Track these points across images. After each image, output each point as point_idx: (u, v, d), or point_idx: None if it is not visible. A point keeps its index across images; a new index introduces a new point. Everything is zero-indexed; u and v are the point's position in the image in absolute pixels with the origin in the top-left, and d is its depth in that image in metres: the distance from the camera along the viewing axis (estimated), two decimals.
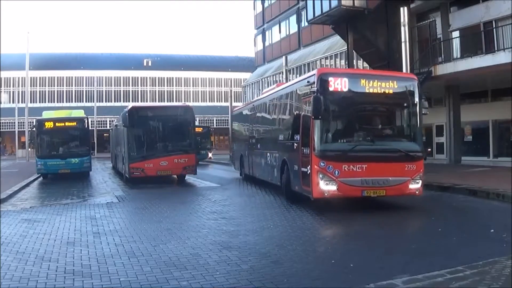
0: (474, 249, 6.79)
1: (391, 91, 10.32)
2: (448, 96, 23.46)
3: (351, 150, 9.97)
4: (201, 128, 35.19)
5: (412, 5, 21.94)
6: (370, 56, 22.81)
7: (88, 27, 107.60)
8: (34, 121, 22.13)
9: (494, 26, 19.81)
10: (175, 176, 18.69)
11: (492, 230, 7.92)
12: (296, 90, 11.94)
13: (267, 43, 41.98)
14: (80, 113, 22.94)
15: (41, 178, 21.11)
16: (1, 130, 49.81)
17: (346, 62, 23.37)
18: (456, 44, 22.30)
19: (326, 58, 31.78)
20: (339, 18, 20.91)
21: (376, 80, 10.22)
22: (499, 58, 17.52)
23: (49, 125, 20.79)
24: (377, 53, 21.88)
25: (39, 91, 55.13)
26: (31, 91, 49.12)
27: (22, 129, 42.86)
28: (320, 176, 9.73)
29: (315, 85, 9.94)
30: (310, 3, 21.84)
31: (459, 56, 21.19)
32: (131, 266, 6.25)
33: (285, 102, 13.04)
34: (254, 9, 44.72)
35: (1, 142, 46.35)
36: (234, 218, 9.95)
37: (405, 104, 10.60)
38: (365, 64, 25.99)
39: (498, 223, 8.48)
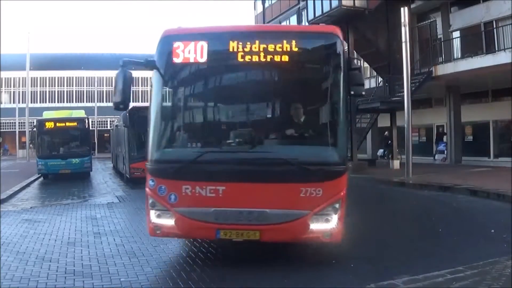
0: (474, 249, 6.79)
1: (286, 58, 5.85)
2: (448, 96, 23.46)
3: (196, 160, 5.86)
4: None
5: (412, 5, 21.97)
6: (371, 56, 22.85)
7: (88, 27, 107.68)
8: (35, 121, 22.16)
9: (494, 26, 19.82)
10: None
11: (492, 230, 7.92)
12: None
13: None
14: (81, 113, 22.95)
15: (41, 178, 21.11)
16: (2, 130, 49.83)
17: None
18: (456, 44, 22.31)
19: None
20: (340, 18, 20.86)
21: (258, 40, 5.90)
22: (499, 58, 17.52)
23: (49, 125, 20.80)
24: (377, 53, 21.91)
25: (40, 91, 55.09)
26: (31, 91, 49.12)
27: (23, 129, 42.84)
28: (150, 202, 6.06)
29: (155, 57, 6.20)
30: (310, 3, 21.84)
31: (459, 56, 21.20)
32: (132, 266, 6.27)
33: None
34: (254, 9, 44.69)
35: (1, 142, 46.32)
36: None
37: (313, 80, 6.29)
38: (366, 65, 26.05)
39: (498, 223, 8.48)
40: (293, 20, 36.49)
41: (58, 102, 54.20)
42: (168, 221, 5.93)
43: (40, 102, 52.93)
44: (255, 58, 5.88)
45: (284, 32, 6.28)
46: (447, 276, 5.15)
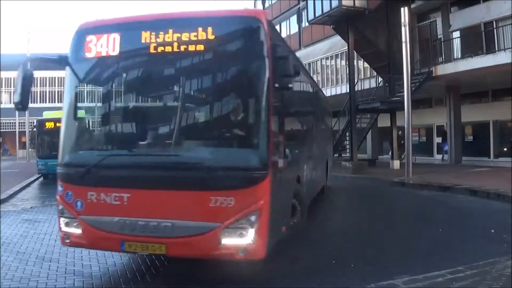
0: (474, 249, 6.79)
1: (201, 48, 5.16)
2: (448, 96, 23.48)
3: (99, 164, 5.34)
4: None
5: (412, 5, 21.98)
6: (371, 56, 22.86)
7: None
8: (35, 121, 22.13)
9: (494, 26, 19.82)
10: None
11: (492, 230, 7.92)
12: None
13: None
14: (81, 114, 22.87)
15: (41, 178, 21.09)
16: (2, 130, 49.84)
17: (347, 63, 23.37)
18: (456, 44, 22.31)
19: (327, 58, 31.80)
20: (340, 18, 20.90)
21: (171, 29, 5.25)
22: (499, 58, 17.52)
23: (49, 125, 20.77)
24: (377, 53, 21.92)
25: (40, 91, 55.07)
26: (31, 91, 49.13)
27: (23, 130, 42.85)
28: (60, 209, 5.60)
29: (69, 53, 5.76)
30: (310, 3, 21.85)
31: (459, 56, 21.19)
32: (133, 266, 6.26)
33: None
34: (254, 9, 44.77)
35: (1, 142, 46.31)
36: None
37: (231, 71, 5.47)
38: (366, 65, 26.06)
39: (498, 223, 8.48)
40: (293, 20, 36.50)
41: (58, 102, 54.19)
42: (76, 230, 5.44)
43: (40, 102, 52.89)
44: (168, 49, 5.23)
45: (200, 18, 5.35)
46: (447, 276, 5.15)
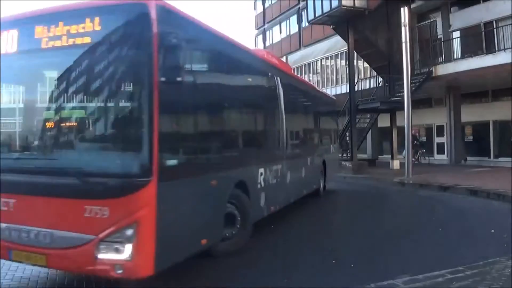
0: (474, 249, 6.78)
1: (88, 40, 4.74)
2: (448, 97, 23.50)
3: None
4: None
5: (412, 5, 21.98)
6: (371, 57, 22.87)
7: None
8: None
9: (494, 26, 19.82)
10: None
11: (492, 230, 7.92)
12: None
13: (267, 44, 41.94)
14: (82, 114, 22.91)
15: None
16: (1, 130, 49.87)
17: (347, 63, 23.38)
18: (456, 44, 22.31)
19: (327, 58, 31.81)
20: (340, 19, 20.90)
21: (62, 22, 4.86)
22: (499, 58, 17.52)
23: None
24: (377, 53, 21.92)
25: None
26: None
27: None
28: None
29: None
30: (310, 3, 21.85)
31: (459, 57, 21.19)
32: None
33: None
34: (254, 9, 44.70)
35: None
36: None
37: (114, 66, 4.78)
38: (366, 65, 26.07)
39: (498, 223, 8.48)
40: (293, 20, 36.51)
41: None
42: None
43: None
44: (56, 44, 4.83)
45: (88, 8, 4.87)
46: (447, 276, 5.15)
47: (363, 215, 10.09)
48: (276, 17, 39.43)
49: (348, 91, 22.42)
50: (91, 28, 4.70)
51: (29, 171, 4.86)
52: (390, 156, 22.97)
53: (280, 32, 39.18)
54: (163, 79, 4.63)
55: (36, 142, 5.29)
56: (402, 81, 17.72)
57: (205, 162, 5.77)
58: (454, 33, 22.22)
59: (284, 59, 30.45)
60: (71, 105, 5.19)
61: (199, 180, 5.49)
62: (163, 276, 4.87)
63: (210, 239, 5.79)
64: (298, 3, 34.60)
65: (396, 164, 21.64)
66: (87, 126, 5.12)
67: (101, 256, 4.45)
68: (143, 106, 4.50)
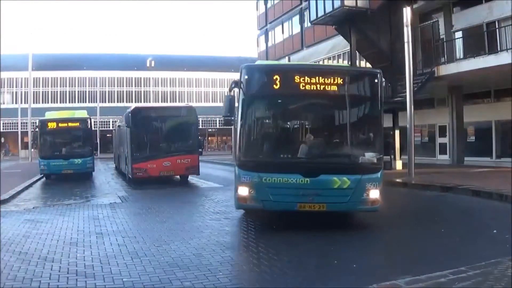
0: (477, 250, 6.78)
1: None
2: (451, 97, 23.46)
3: None
4: None
5: (415, 6, 21.93)
6: (373, 57, 22.82)
7: (90, 27, 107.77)
8: (37, 121, 22.16)
9: (497, 26, 19.77)
10: (178, 176, 18.73)
11: (495, 231, 7.91)
12: None
13: (270, 44, 41.94)
14: (83, 114, 22.98)
15: (44, 179, 21.14)
16: (4, 130, 49.95)
17: (349, 63, 23.35)
18: (459, 44, 22.27)
19: (329, 58, 31.78)
20: (342, 19, 20.91)
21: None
22: (502, 58, 17.49)
23: (52, 125, 20.83)
24: (380, 53, 21.89)
25: (42, 91, 55.18)
26: (33, 91, 49.24)
27: (25, 130, 42.96)
28: None
29: None
30: (313, 4, 21.85)
31: (462, 57, 21.16)
32: (134, 266, 6.27)
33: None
34: (257, 9, 44.70)
35: (3, 143, 46.42)
36: (237, 219, 9.95)
37: None
38: (368, 65, 26.01)
39: (501, 224, 8.47)
40: (296, 21, 36.50)
41: (60, 102, 54.29)
42: None
43: (42, 103, 52.98)
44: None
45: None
46: (450, 277, 5.15)
47: (364, 215, 10.06)
48: (278, 17, 39.41)
49: None
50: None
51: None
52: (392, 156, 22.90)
53: (283, 32, 39.17)
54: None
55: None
56: (404, 81, 17.71)
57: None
58: (456, 33, 22.17)
59: (286, 59, 30.41)
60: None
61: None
62: None
63: None
64: (301, 3, 34.58)
65: (398, 164, 21.61)
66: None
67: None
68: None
